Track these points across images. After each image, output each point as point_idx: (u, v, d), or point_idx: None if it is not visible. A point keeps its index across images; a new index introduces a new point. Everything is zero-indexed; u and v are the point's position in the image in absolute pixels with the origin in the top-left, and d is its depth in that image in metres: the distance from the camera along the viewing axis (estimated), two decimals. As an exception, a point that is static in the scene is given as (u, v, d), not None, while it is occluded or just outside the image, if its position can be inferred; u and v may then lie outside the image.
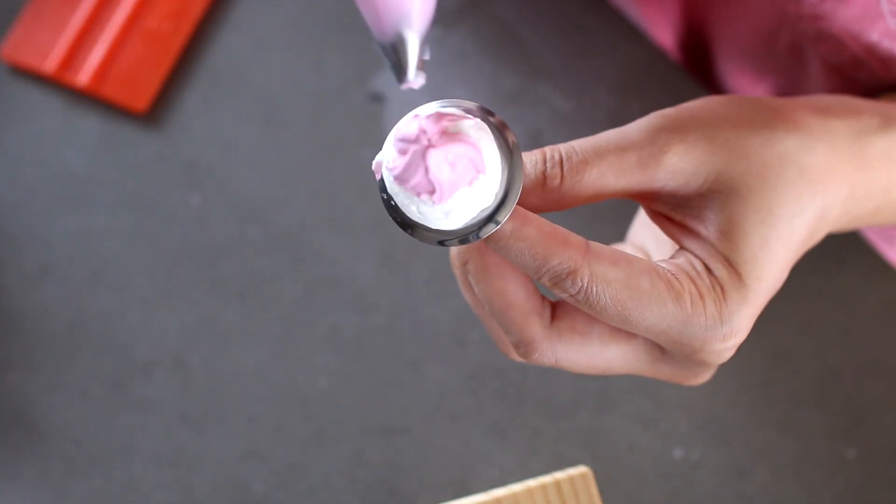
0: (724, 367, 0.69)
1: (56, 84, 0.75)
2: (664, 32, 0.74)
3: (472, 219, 0.43)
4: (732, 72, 0.69)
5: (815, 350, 0.69)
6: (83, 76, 0.75)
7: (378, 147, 0.73)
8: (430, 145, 0.41)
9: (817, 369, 0.69)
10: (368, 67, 0.75)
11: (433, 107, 0.43)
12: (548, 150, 0.46)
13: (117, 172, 0.74)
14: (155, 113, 0.75)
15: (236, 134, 0.74)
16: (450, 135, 0.42)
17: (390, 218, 0.44)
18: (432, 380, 0.69)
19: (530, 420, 0.68)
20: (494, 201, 0.43)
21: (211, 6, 0.77)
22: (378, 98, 0.74)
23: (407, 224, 0.43)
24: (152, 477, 0.68)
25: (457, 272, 0.49)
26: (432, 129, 0.42)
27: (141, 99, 0.74)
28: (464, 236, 0.43)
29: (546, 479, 0.56)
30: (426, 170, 0.41)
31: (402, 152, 0.42)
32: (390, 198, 0.43)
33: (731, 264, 0.45)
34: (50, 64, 0.75)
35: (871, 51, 0.56)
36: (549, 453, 0.68)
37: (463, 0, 0.76)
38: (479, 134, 0.42)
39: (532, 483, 0.56)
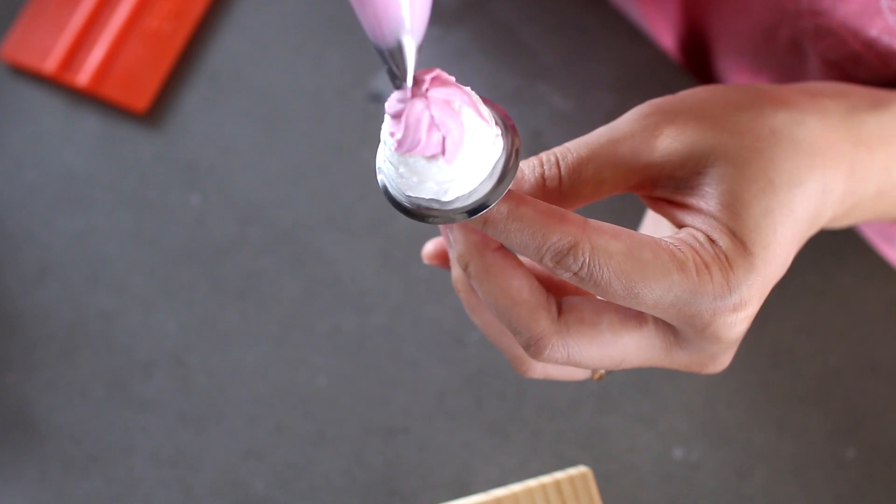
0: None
1: (56, 84, 0.75)
2: (663, 31, 0.74)
3: (480, 185, 0.43)
4: (732, 70, 0.69)
5: (815, 350, 0.69)
6: (83, 76, 0.75)
7: (377, 147, 0.73)
8: (425, 94, 0.41)
9: (817, 369, 0.69)
10: (368, 67, 0.75)
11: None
12: (543, 154, 0.46)
13: (117, 172, 0.74)
14: (155, 113, 0.75)
15: (236, 134, 0.74)
16: (443, 84, 0.41)
17: (397, 211, 0.43)
18: (432, 380, 0.69)
19: (530, 420, 0.68)
20: (501, 161, 0.43)
21: (211, 7, 0.77)
22: (378, 98, 0.74)
23: (417, 213, 0.43)
24: (152, 477, 0.68)
25: (461, 294, 0.49)
26: (425, 82, 0.41)
27: (141, 99, 0.74)
28: (479, 205, 0.43)
29: (546, 479, 0.56)
30: (430, 119, 0.41)
31: (397, 116, 0.41)
32: (395, 189, 0.43)
33: (734, 234, 0.44)
34: (50, 64, 0.75)
35: (871, 47, 0.56)
36: (549, 453, 0.68)
37: (463, 0, 0.76)
38: (470, 92, 0.42)
39: (532, 483, 0.56)
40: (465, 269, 0.46)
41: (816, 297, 0.70)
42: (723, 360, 0.48)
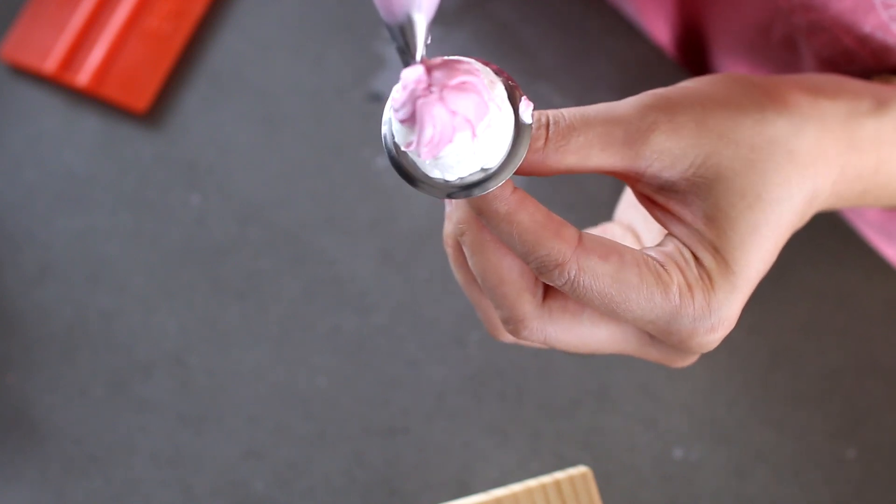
0: (724, 367, 0.69)
1: (56, 84, 0.75)
2: (660, 28, 0.75)
3: (476, 172, 0.43)
4: (728, 66, 0.69)
5: (815, 350, 0.69)
6: (83, 76, 0.75)
7: (378, 147, 0.73)
8: (428, 92, 0.41)
9: (817, 369, 0.69)
10: (368, 67, 0.75)
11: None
12: (535, 113, 0.46)
13: (117, 172, 0.74)
14: (155, 113, 0.75)
15: (236, 134, 0.74)
16: (455, 78, 0.41)
17: (398, 175, 0.44)
18: (432, 380, 0.69)
19: (530, 420, 0.68)
20: (501, 157, 0.43)
21: (211, 7, 0.77)
22: (378, 98, 0.74)
23: (413, 178, 0.43)
24: (152, 477, 0.68)
25: (449, 250, 0.49)
26: (439, 76, 0.41)
27: (141, 99, 0.74)
28: (466, 188, 0.43)
29: (546, 479, 0.56)
30: (428, 115, 0.41)
31: (405, 91, 0.41)
32: (397, 152, 0.43)
33: (718, 252, 0.45)
34: (50, 64, 0.75)
35: (864, 43, 0.56)
36: (549, 453, 0.68)
37: (463, 0, 0.76)
38: (489, 86, 0.42)
39: (532, 483, 0.56)
40: (461, 235, 0.46)
41: (816, 296, 0.70)
42: (692, 359, 0.49)
